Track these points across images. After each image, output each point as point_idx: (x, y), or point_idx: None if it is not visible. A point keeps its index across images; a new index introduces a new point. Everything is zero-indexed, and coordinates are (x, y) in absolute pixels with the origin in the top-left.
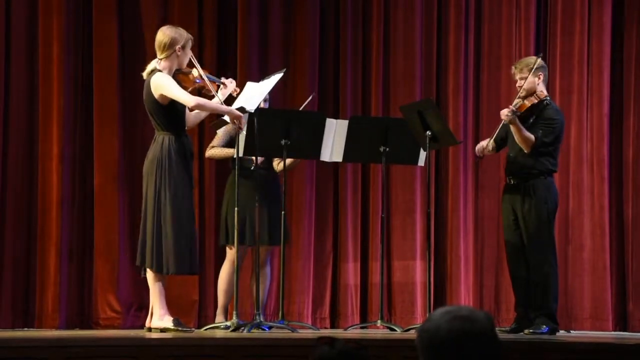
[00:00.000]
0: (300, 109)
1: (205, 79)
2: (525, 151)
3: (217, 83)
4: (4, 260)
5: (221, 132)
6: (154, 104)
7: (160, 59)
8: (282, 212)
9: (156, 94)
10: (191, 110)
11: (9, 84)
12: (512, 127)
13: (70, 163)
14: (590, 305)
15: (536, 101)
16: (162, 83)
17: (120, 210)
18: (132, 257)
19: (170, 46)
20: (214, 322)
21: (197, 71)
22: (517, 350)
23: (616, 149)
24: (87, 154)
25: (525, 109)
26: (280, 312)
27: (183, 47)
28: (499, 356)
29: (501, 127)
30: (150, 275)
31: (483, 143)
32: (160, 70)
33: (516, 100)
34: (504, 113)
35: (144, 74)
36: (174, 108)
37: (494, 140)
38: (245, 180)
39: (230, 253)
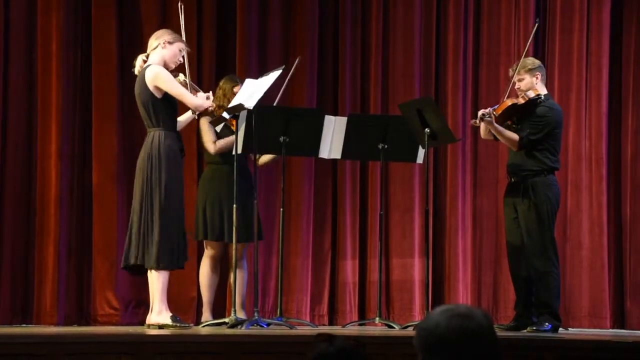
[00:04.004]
0: (290, 73)
1: (188, 86)
2: (513, 150)
3: (196, 91)
4: (3, 257)
5: (207, 126)
6: (149, 97)
7: (148, 54)
8: (282, 209)
9: (151, 86)
10: (194, 112)
11: (8, 81)
12: (490, 129)
13: (69, 161)
14: (588, 303)
15: (522, 101)
16: (161, 76)
17: (118, 208)
18: None
19: (157, 38)
20: (204, 320)
21: (182, 77)
22: (515, 347)
23: (615, 147)
24: (85, 152)
25: (504, 108)
26: (279, 309)
27: (170, 43)
28: (497, 354)
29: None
30: (153, 270)
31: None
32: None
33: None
34: (479, 114)
35: (135, 70)
36: (168, 103)
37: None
38: (220, 176)
39: (209, 249)
